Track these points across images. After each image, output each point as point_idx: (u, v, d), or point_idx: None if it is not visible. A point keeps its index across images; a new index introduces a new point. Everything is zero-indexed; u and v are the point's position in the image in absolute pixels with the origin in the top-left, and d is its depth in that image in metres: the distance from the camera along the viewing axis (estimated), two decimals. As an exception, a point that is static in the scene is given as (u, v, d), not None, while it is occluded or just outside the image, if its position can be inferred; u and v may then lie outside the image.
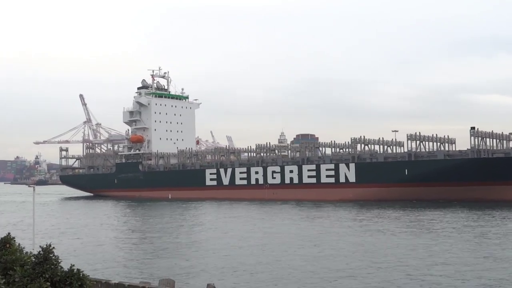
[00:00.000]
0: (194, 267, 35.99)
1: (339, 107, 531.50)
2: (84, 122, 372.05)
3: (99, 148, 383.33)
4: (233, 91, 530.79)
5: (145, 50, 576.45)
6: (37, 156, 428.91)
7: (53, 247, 13.52)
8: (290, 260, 37.76)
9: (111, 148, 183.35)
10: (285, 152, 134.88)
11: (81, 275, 13.41)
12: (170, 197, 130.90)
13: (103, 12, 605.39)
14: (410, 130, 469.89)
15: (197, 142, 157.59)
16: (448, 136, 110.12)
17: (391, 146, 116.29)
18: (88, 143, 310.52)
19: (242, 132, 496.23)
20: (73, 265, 13.66)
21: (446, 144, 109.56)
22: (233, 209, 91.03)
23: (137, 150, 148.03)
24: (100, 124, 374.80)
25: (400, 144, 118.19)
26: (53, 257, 13.37)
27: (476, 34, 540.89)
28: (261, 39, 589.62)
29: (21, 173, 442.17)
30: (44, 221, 72.23)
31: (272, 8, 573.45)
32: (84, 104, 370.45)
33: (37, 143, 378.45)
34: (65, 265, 13.65)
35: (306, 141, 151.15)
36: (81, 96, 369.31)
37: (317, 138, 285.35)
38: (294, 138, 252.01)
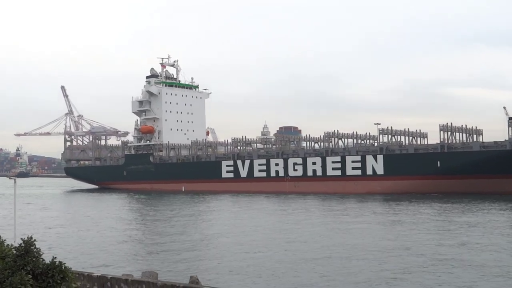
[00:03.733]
0: (180, 259, 35.98)
1: (323, 100, 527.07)
2: (66, 114, 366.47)
3: (81, 140, 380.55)
4: (220, 85, 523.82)
5: (131, 43, 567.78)
6: (18, 148, 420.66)
7: (35, 240, 13.46)
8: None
9: (93, 140, 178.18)
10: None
11: (63, 268, 13.36)
12: (183, 190, 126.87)
13: (95, 5, 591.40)
14: (391, 122, 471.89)
15: (207, 133, 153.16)
16: (476, 127, 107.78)
17: (415, 137, 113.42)
18: (68, 135, 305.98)
19: (225, 126, 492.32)
20: (55, 257, 13.55)
21: (474, 135, 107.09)
22: (251, 202, 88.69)
23: (148, 141, 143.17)
24: (82, 116, 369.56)
25: (424, 135, 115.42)
26: (35, 250, 13.34)
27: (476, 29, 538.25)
28: (254, 33, 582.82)
29: (2, 165, 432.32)
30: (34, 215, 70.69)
31: (269, 1, 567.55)
32: (66, 96, 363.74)
33: (18, 135, 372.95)
34: (48, 258, 13.49)
35: (294, 135, 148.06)
36: (62, 87, 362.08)
37: (300, 130, 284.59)
38: (277, 131, 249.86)
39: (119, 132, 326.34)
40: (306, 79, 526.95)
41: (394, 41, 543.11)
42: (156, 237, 47.97)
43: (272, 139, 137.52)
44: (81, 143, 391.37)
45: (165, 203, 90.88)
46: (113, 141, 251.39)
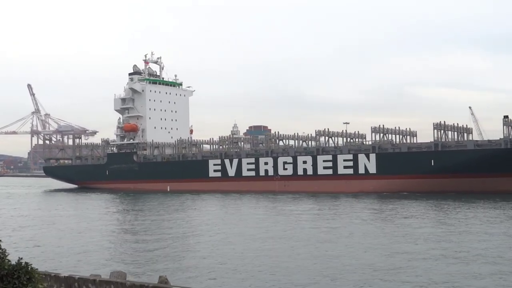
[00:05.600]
0: (149, 259, 35.91)
1: (296, 101, 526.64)
2: (32, 113, 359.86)
3: (48, 139, 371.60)
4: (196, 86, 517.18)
5: (120, 47, 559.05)
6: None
7: (0, 240, 13.36)
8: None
9: (60, 139, 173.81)
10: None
11: (29, 268, 13.24)
12: (168, 190, 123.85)
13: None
14: (367, 122, 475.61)
15: (191, 132, 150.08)
16: (467, 125, 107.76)
17: (405, 136, 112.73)
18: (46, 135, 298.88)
19: (196, 125, 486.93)
20: (21, 258, 13.44)
21: (464, 134, 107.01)
22: (236, 201, 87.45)
23: (131, 140, 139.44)
24: (49, 114, 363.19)
25: (413, 134, 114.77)
26: (0, 251, 13.26)
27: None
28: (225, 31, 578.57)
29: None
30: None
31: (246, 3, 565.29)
32: (32, 94, 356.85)
33: None
34: (14, 259, 13.38)
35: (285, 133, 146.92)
36: (29, 86, 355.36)
37: (270, 129, 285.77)
38: (247, 130, 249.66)
39: (87, 131, 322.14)
40: (280, 81, 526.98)
41: (365, 46, 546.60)
42: (126, 237, 47.37)
43: (262, 137, 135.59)
44: (48, 142, 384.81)
45: (145, 203, 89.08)
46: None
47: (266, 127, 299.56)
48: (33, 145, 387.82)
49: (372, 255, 35.47)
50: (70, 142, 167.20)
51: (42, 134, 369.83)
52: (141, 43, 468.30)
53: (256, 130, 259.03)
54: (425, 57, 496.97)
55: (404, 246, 38.79)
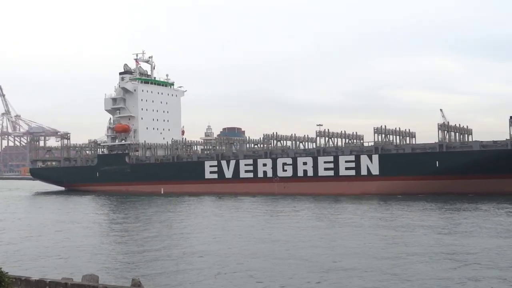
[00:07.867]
0: (122, 262, 35.44)
1: (274, 102, 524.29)
2: (2, 114, 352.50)
3: (19, 140, 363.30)
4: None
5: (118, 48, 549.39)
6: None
7: None
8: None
9: (31, 141, 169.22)
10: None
11: None
12: (162, 192, 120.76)
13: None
14: (334, 123, 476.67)
15: (183, 133, 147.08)
16: (467, 126, 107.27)
17: (404, 137, 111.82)
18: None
19: (187, 126, 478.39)
20: None
21: (466, 135, 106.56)
22: (225, 203, 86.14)
23: (123, 141, 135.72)
24: (20, 116, 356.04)
25: (412, 135, 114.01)
26: None
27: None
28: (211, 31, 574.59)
29: None
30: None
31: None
32: (2, 95, 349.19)
33: None
34: None
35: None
36: None
37: (244, 131, 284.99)
38: (220, 132, 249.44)
39: (58, 133, 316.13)
40: (276, 83, 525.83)
41: (342, 48, 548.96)
42: (103, 240, 46.79)
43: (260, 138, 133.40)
44: (18, 143, 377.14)
45: (135, 206, 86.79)
46: (52, 142, 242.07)
47: (240, 128, 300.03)
48: (3, 147, 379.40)
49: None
50: (42, 143, 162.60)
51: (13, 136, 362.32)
52: (141, 43, 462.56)
53: (230, 132, 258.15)
54: (421, 58, 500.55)
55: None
